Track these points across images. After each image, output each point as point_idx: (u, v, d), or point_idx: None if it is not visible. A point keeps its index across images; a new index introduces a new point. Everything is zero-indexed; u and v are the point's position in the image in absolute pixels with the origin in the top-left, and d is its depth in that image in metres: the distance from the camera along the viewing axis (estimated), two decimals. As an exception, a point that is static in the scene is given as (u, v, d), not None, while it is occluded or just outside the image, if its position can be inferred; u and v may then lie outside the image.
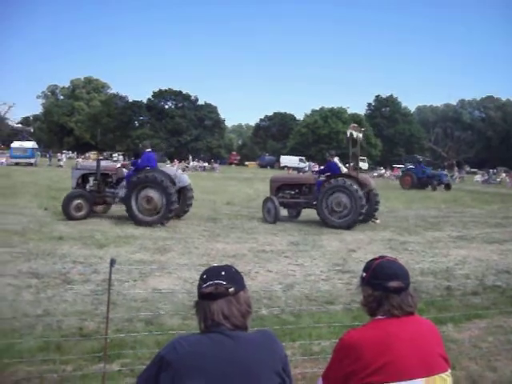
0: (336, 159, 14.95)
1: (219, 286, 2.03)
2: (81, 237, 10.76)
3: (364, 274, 2.39)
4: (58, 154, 60.71)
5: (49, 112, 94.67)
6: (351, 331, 2.28)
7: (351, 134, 14.95)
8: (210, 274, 2.10)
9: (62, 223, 12.47)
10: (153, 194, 13.01)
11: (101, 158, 16.73)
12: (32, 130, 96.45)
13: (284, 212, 15.64)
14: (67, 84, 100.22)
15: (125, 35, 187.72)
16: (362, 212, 13.80)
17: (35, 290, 6.78)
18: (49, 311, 5.94)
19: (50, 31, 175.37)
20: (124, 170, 14.38)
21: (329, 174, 14.75)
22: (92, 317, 5.79)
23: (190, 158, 68.77)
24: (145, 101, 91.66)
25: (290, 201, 15.39)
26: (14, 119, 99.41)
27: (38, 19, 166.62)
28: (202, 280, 2.09)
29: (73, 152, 76.10)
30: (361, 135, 15.76)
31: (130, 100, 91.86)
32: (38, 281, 7.19)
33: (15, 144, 56.77)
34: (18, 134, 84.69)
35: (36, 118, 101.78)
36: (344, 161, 16.28)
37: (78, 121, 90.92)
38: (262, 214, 15.15)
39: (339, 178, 14.19)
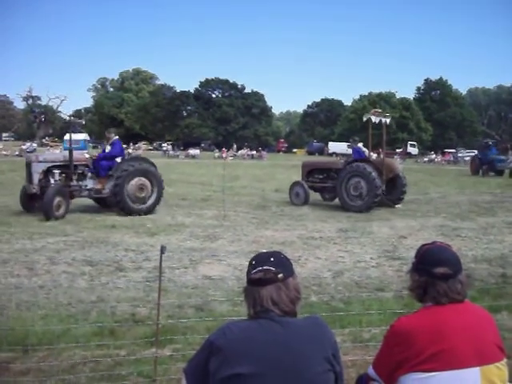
0: (360, 144, 15.80)
1: (268, 272, 2.02)
2: (132, 225, 11.00)
3: (413, 260, 2.35)
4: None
5: (99, 104, 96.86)
6: (402, 318, 2.23)
7: (370, 119, 14.78)
8: (259, 259, 2.09)
9: (114, 213, 12.75)
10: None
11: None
12: (84, 123, 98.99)
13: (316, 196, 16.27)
14: (116, 76, 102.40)
15: (171, 26, 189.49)
16: (378, 194, 13.94)
17: (89, 277, 6.97)
18: (102, 298, 6.08)
19: (98, 25, 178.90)
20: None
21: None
22: (144, 303, 5.89)
23: (235, 146, 69.00)
24: (192, 90, 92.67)
25: (318, 185, 15.88)
26: (66, 112, 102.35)
27: (87, 14, 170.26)
28: (251, 266, 2.08)
29: (124, 143, 77.45)
30: (388, 120, 15.74)
31: (178, 90, 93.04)
32: (91, 268, 7.38)
33: (67, 136, 58.34)
34: (70, 127, 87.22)
35: (87, 110, 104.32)
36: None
37: (128, 112, 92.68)
38: (290, 197, 15.78)
39: (358, 163, 14.50)
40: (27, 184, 12.57)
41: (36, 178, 12.41)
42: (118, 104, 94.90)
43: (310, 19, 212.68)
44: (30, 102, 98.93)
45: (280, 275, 2.02)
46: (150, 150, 70.52)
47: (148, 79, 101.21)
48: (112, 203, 13.08)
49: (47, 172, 12.68)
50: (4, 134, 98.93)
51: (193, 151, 59.16)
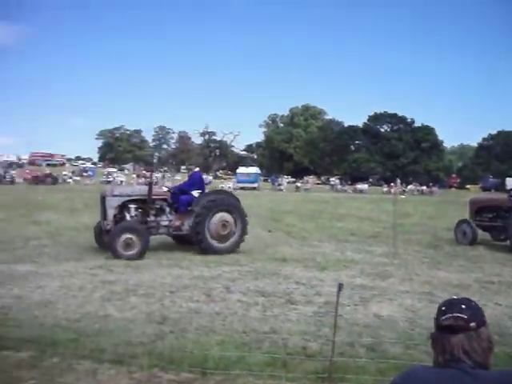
0: None
1: (459, 319, 1.91)
2: (303, 259, 11.16)
3: None
4: (279, 179, 63.98)
5: (270, 139, 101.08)
6: None
7: None
8: (449, 306, 1.98)
9: (285, 245, 13.08)
10: None
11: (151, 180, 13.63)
12: (255, 157, 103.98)
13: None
14: (286, 112, 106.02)
15: (338, 62, 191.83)
16: None
17: (262, 307, 7.16)
18: (275, 329, 6.18)
19: (268, 64, 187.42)
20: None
21: None
22: (315, 338, 5.87)
23: (398, 181, 66.84)
24: (360, 125, 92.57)
25: (487, 224, 14.67)
26: (238, 147, 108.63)
27: (262, 55, 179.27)
28: (441, 312, 1.98)
29: (292, 176, 79.58)
30: None
31: (346, 125, 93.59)
32: (264, 299, 7.58)
33: (241, 169, 61.77)
34: (242, 161, 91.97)
35: (258, 145, 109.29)
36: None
37: (297, 146, 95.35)
38: (455, 236, 14.84)
39: None
40: (101, 220, 11.94)
41: (111, 213, 11.54)
42: (287, 139, 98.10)
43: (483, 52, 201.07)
44: (207, 137, 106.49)
45: (472, 324, 1.90)
46: (318, 184, 71.45)
47: (316, 114, 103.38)
48: (192, 241, 11.99)
49: (123, 207, 11.85)
50: (182, 167, 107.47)
51: (360, 186, 58.84)
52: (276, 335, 5.89)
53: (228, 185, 59.43)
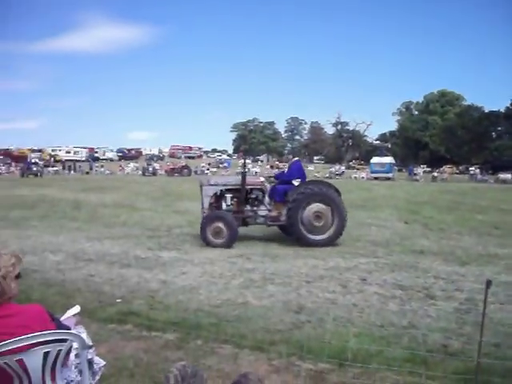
0: None
1: None
2: (441, 252, 10.73)
3: None
4: (415, 169, 61.83)
5: (404, 127, 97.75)
6: None
7: None
8: None
9: (422, 237, 12.67)
10: None
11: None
12: (389, 146, 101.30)
13: None
14: (421, 99, 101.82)
15: (471, 40, 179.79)
16: None
17: (400, 301, 7.00)
18: (413, 324, 6.02)
19: (402, 48, 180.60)
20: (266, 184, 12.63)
21: None
22: (456, 336, 5.62)
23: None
24: (502, 110, 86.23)
25: None
26: (372, 136, 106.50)
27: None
28: None
29: (428, 166, 76.52)
30: None
31: (486, 110, 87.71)
32: (402, 292, 7.41)
33: (374, 159, 60.63)
34: (376, 150, 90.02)
35: (392, 133, 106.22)
36: None
37: (433, 135, 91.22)
38: None
39: None
40: (201, 208, 12.30)
41: (206, 201, 11.95)
42: (422, 127, 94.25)
43: None
44: (339, 127, 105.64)
45: None
46: (456, 173, 67.99)
47: (454, 100, 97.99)
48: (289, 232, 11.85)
49: (220, 196, 12.16)
50: (315, 157, 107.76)
51: (503, 175, 54.84)
52: (415, 330, 5.73)
53: (361, 175, 58.73)
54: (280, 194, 11.93)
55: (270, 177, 13.51)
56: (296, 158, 12.98)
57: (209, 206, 11.99)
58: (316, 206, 11.43)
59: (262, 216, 12.03)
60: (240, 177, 12.21)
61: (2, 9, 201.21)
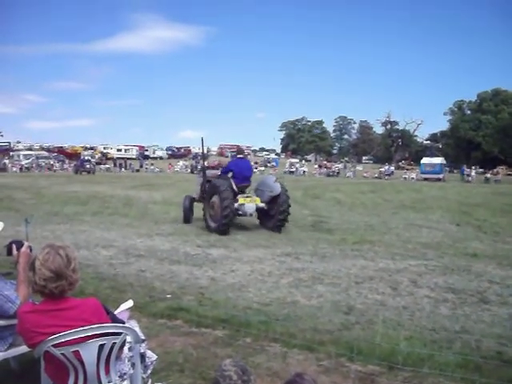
0: None
1: None
2: (495, 256, 10.39)
3: None
4: (467, 170, 60.29)
5: (455, 127, 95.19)
6: None
7: None
8: None
9: (476, 240, 12.34)
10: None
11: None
12: (440, 146, 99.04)
13: None
14: (474, 98, 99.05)
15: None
16: None
17: (452, 305, 6.84)
18: (466, 329, 5.88)
19: (453, 46, 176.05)
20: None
21: None
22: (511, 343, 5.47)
23: None
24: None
25: None
26: (422, 136, 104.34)
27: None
28: None
29: (480, 167, 74.45)
30: None
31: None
32: (454, 296, 7.24)
33: (424, 160, 59.50)
34: (426, 150, 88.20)
35: (443, 133, 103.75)
36: None
37: (486, 135, 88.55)
38: None
39: None
40: None
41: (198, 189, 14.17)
42: (475, 126, 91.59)
43: None
44: (389, 126, 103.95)
45: None
46: (509, 175, 65.90)
47: (508, 99, 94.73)
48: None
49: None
50: (364, 157, 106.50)
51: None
52: (468, 336, 5.59)
53: (411, 175, 57.66)
54: None
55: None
56: (239, 156, 14.37)
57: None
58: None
59: None
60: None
61: (58, 10, 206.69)
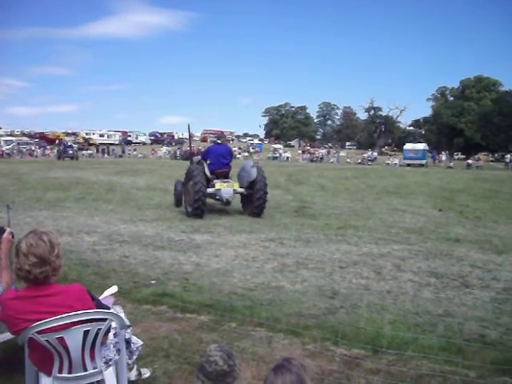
0: None
1: None
2: (477, 240, 10.52)
3: None
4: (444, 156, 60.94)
5: (438, 114, 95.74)
6: None
7: None
8: None
9: (458, 225, 12.46)
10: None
11: None
12: (423, 132, 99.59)
13: None
14: (457, 85, 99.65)
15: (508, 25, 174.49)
16: None
17: (435, 289, 6.91)
18: (449, 312, 5.94)
19: (435, 33, 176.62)
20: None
21: None
22: (493, 326, 5.53)
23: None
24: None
25: None
26: (405, 122, 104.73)
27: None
28: None
29: (462, 153, 75.13)
30: None
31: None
32: (437, 280, 7.31)
33: (407, 146, 59.90)
34: (409, 137, 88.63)
35: (426, 120, 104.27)
36: None
37: (468, 121, 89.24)
38: None
39: None
40: None
41: None
42: (457, 113, 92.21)
43: None
44: (372, 112, 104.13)
45: None
46: (491, 161, 66.65)
47: (491, 86, 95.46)
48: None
49: None
50: (347, 143, 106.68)
51: (540, 163, 53.53)
52: (451, 319, 5.65)
53: (394, 161, 58.02)
54: None
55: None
56: (218, 142, 15.29)
57: None
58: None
59: None
60: None
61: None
